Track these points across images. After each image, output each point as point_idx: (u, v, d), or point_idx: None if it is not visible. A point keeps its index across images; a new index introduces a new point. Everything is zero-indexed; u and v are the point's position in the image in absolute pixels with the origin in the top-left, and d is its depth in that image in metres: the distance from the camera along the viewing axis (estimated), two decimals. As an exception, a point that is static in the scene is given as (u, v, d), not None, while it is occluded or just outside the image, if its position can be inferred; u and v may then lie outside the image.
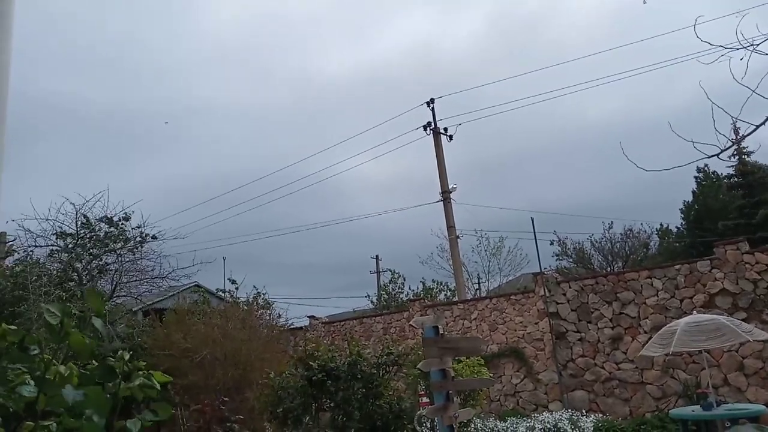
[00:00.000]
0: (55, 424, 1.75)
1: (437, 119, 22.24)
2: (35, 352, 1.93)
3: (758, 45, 4.18)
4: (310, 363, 9.85)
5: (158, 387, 2.07)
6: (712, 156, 4.88)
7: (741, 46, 4.18)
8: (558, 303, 14.93)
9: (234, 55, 48.12)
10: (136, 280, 16.67)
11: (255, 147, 47.21)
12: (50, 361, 1.83)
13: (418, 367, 9.48)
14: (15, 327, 1.96)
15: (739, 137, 4.53)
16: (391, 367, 10.10)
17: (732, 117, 4.51)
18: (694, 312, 10.34)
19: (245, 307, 15.19)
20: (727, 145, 4.61)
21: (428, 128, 22.29)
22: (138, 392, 1.99)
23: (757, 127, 4.76)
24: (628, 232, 27.81)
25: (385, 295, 28.33)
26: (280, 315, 15.76)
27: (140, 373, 2.00)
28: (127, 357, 1.96)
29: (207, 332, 13.47)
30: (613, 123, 37.16)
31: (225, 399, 11.94)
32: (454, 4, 48.00)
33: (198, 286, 18.84)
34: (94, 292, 1.99)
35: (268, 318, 15.55)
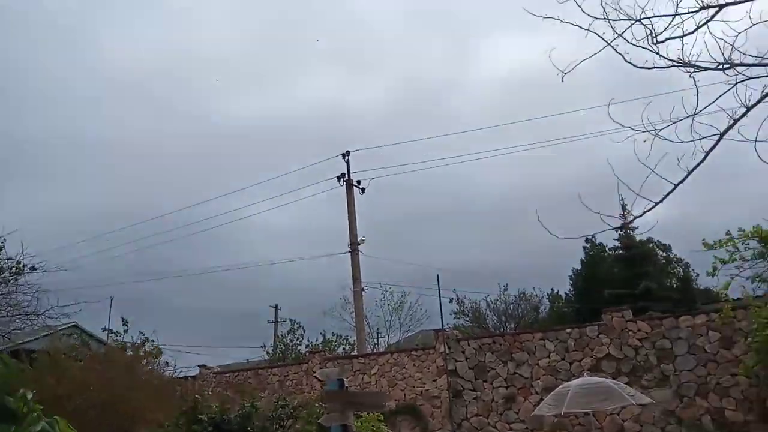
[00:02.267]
0: None
1: (350, 172, 22.46)
2: None
3: (660, 131, 4.62)
4: (199, 416, 9.24)
5: None
6: (616, 228, 5.24)
7: (645, 130, 4.59)
8: (457, 360, 15.11)
9: (133, 89, 46.52)
10: (7, 316, 15.08)
11: (150, 185, 45.10)
12: None
13: (320, 421, 9.14)
14: None
15: (638, 215, 4.89)
16: (286, 421, 9.67)
17: (634, 193, 4.88)
18: (584, 374, 10.81)
19: (130, 352, 14.09)
20: (630, 219, 4.97)
21: (342, 179, 22.42)
22: None
23: (656, 204, 5.17)
24: (521, 295, 29.07)
25: (282, 346, 27.44)
26: (167, 363, 14.72)
27: (36, 416, 1.75)
28: (30, 396, 1.72)
29: (84, 377, 12.30)
30: (510, 190, 39.34)
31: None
32: (361, 67, 49.66)
33: (77, 327, 17.30)
34: None
35: (154, 365, 14.48)
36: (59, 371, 12.15)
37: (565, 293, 28.67)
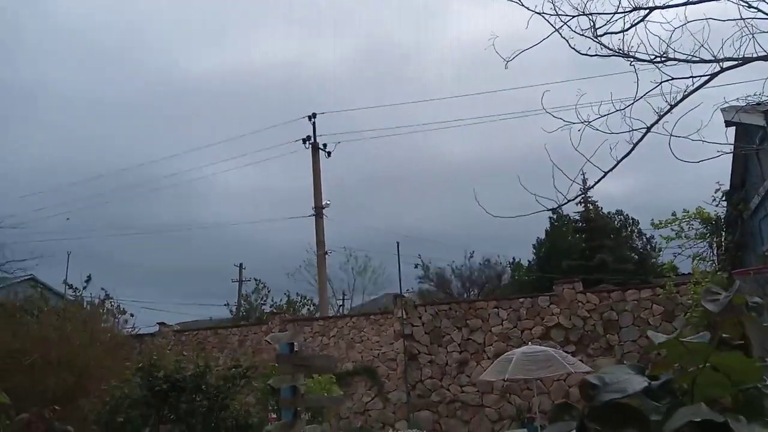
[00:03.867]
0: None
1: (316, 135, 22.35)
2: None
3: (592, 121, 4.84)
4: (155, 373, 9.40)
5: None
6: (551, 209, 5.50)
7: (578, 121, 4.81)
8: (414, 325, 15.54)
9: (94, 45, 44.95)
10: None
11: (112, 139, 43.97)
12: None
13: (269, 383, 9.41)
14: None
15: (570, 198, 5.13)
16: (239, 381, 9.91)
17: (570, 179, 5.12)
18: (529, 343, 11.29)
19: (88, 309, 14.12)
20: (562, 202, 5.22)
21: (307, 142, 22.32)
22: None
23: (588, 188, 5.43)
24: (486, 262, 29.73)
25: (246, 306, 27.67)
26: (126, 320, 14.80)
27: None
28: None
29: (40, 332, 12.34)
30: (476, 159, 39.62)
31: (55, 408, 10.99)
32: (325, 27, 48.73)
33: (35, 280, 17.19)
34: None
35: (114, 322, 14.56)
36: (15, 325, 12.18)
37: (528, 261, 29.44)
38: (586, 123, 4.80)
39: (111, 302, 15.81)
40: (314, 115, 22.19)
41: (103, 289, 15.87)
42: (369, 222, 45.14)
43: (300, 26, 48.33)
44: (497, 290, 27.14)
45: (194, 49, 47.89)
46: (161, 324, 17.13)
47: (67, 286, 15.87)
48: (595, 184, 5.78)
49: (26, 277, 17.13)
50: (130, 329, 15.05)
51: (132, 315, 16.11)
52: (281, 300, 27.77)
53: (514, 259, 29.50)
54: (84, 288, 15.07)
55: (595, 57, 5.38)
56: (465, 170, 39.29)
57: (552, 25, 5.20)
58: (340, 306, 30.77)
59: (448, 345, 15.13)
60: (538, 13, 5.09)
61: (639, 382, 1.08)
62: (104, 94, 44.39)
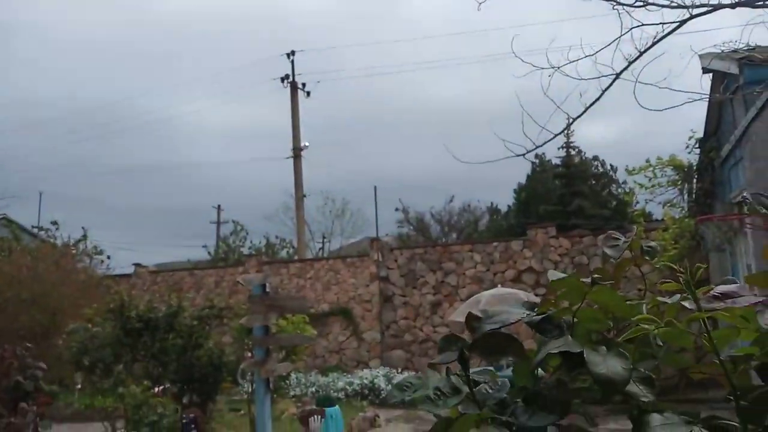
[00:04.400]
0: None
1: (295, 74, 21.87)
2: None
3: (561, 67, 4.75)
4: (127, 313, 9.46)
5: None
6: (519, 155, 5.48)
7: (549, 66, 4.72)
8: (389, 268, 15.73)
9: None
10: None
11: (81, 73, 42.55)
12: None
13: (241, 321, 9.53)
14: None
15: (538, 145, 5.11)
16: (213, 321, 10.03)
17: (539, 125, 5.09)
18: (500, 285, 11.51)
19: (62, 248, 14.05)
20: (530, 149, 5.21)
21: (286, 81, 21.86)
22: None
23: (555, 135, 5.41)
24: (466, 207, 29.91)
25: (225, 247, 27.72)
26: (102, 261, 14.77)
27: None
28: None
29: (12, 271, 12.30)
30: (457, 101, 39.17)
31: (28, 345, 11.04)
32: None
33: (7, 219, 16.96)
34: None
35: (88, 262, 14.54)
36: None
37: (508, 206, 29.65)
38: (556, 68, 4.72)
39: (86, 243, 15.76)
40: (293, 53, 21.66)
41: (83, 227, 15.77)
42: (349, 165, 44.92)
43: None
44: (474, 234, 27.42)
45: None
46: (137, 265, 17.12)
47: (39, 228, 15.71)
48: (562, 132, 5.76)
49: (-1, 216, 16.89)
50: (105, 270, 15.04)
51: (108, 257, 16.07)
52: (260, 242, 27.87)
53: (492, 204, 29.70)
54: (56, 229, 14.96)
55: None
56: (450, 113, 38.98)
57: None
58: (320, 249, 30.96)
59: (422, 287, 15.38)
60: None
61: (519, 314, 1.13)
62: (81, 31, 42.74)
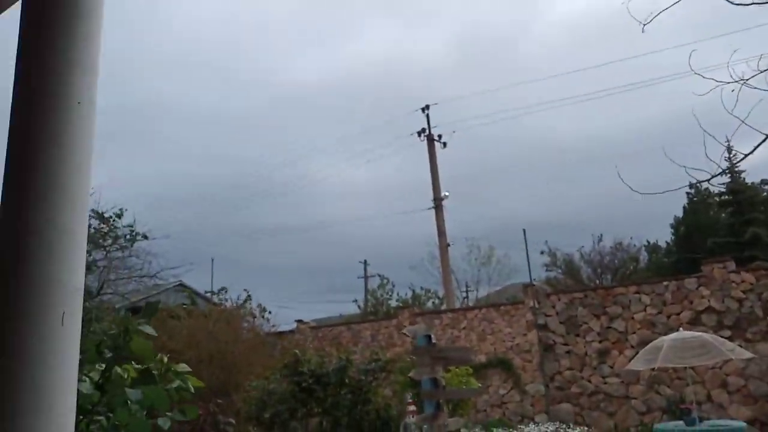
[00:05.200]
0: (105, 419, 1.91)
1: (430, 126, 22.28)
2: (109, 355, 2.15)
3: (748, 79, 4.25)
4: (300, 369, 9.81)
5: (192, 390, 2.20)
6: (703, 182, 4.95)
7: (732, 80, 4.24)
8: (547, 315, 14.96)
9: (199, 58, 47.83)
10: (123, 278, 16.55)
11: (222, 149, 46.75)
12: (114, 362, 1.96)
13: (409, 375, 9.46)
14: None
15: (727, 166, 4.59)
16: (379, 374, 10.07)
17: (722, 144, 4.59)
18: (680, 329, 10.40)
19: (232, 309, 15.10)
20: (717, 172, 4.68)
21: (422, 134, 22.33)
22: (174, 394, 2.12)
23: (746, 155, 4.83)
24: (618, 246, 27.99)
25: (373, 301, 28.26)
26: (267, 319, 15.66)
27: (176, 374, 2.11)
28: (165, 360, 2.09)
29: (192, 333, 13.37)
30: (596, 138, 37.45)
31: (219, 401, 11.82)
32: (420, 18, 48.00)
33: (183, 285, 18.68)
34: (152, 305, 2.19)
35: (253, 321, 15.47)
36: (170, 328, 13.29)
37: (666, 242, 27.36)
38: (742, 81, 4.23)
39: (250, 303, 16.84)
40: (427, 107, 22.17)
41: (245, 290, 16.94)
42: (489, 211, 44.32)
43: (396, 21, 48.45)
44: (633, 275, 25.48)
45: (298, 56, 49.74)
46: (299, 321, 17.93)
47: (212, 294, 17.09)
48: (752, 151, 5.15)
49: (176, 283, 18.68)
50: (270, 327, 15.89)
51: (270, 313, 17.01)
52: (406, 294, 28.09)
53: (648, 241, 27.56)
54: (225, 291, 16.17)
55: (751, 5, 4.76)
56: (583, 151, 37.34)
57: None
58: (465, 297, 30.51)
59: (586, 334, 14.39)
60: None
61: None
62: (218, 106, 47.40)
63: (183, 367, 2.18)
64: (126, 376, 1.94)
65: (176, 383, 2.08)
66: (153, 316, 2.29)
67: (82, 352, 2.04)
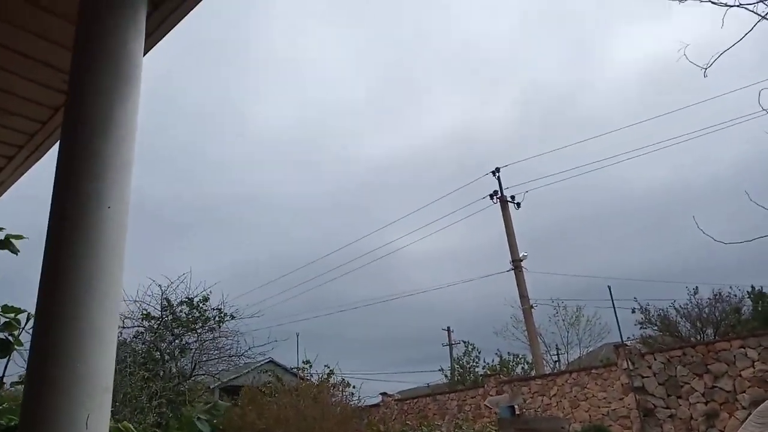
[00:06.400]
0: None
1: (502, 188, 22.26)
2: None
3: None
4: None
5: None
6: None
7: None
8: (643, 377, 14.07)
9: (276, 149, 50.90)
10: (214, 359, 17.14)
11: (306, 232, 48.89)
12: None
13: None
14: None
15: None
16: (465, 448, 9.77)
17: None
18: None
19: (318, 385, 15.21)
20: None
21: (495, 197, 22.31)
22: None
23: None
24: (717, 296, 26.07)
25: (459, 369, 27.56)
26: (352, 393, 15.61)
27: None
28: None
29: (280, 411, 13.54)
30: (665, 189, 35.93)
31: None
32: (484, 91, 49.03)
33: (273, 362, 19.08)
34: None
35: (340, 395, 15.47)
36: (259, 407, 13.55)
37: (772, 288, 25.22)
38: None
39: (334, 376, 16.90)
40: (498, 170, 22.24)
41: (326, 365, 17.06)
42: (571, 269, 42.85)
43: (462, 93, 49.63)
44: (737, 327, 23.55)
45: (370, 136, 51.83)
46: (383, 394, 17.76)
47: (298, 369, 17.35)
48: None
49: (266, 361, 19.12)
50: (356, 401, 15.81)
51: (354, 387, 16.98)
52: (492, 360, 27.23)
53: (753, 287, 25.54)
54: (309, 367, 16.33)
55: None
56: (660, 201, 35.79)
57: (757, 14, 4.57)
58: (556, 362, 29.16)
59: (689, 396, 13.36)
60: (740, 6, 4.51)
61: None
62: (305, 193, 49.73)
63: None
64: None
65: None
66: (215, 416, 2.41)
67: None
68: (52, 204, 1.67)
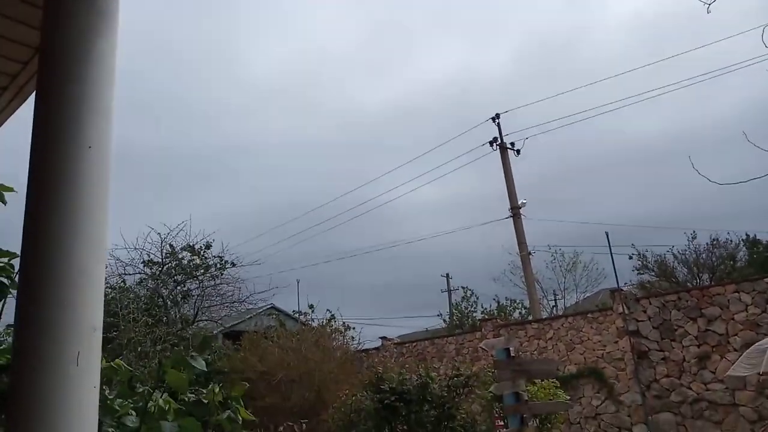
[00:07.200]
0: None
1: (502, 135, 22.05)
2: (140, 389, 2.19)
3: None
4: (381, 386, 9.95)
5: (240, 422, 2.27)
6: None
7: None
8: (638, 320, 14.32)
9: (271, 94, 50.04)
10: (216, 305, 17.43)
11: (307, 178, 48.72)
12: (150, 395, 2.07)
13: (490, 390, 9.36)
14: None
15: None
16: (462, 389, 10.03)
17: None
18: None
19: (319, 329, 15.52)
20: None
21: (494, 144, 22.12)
22: (226, 424, 2.21)
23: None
24: (715, 243, 26.26)
25: (458, 314, 28.06)
26: (353, 337, 15.96)
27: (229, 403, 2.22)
28: (217, 390, 2.19)
29: (282, 355, 13.85)
30: (672, 134, 35.48)
31: (303, 421, 12.17)
32: (485, 36, 47.77)
33: (274, 308, 19.41)
34: (207, 339, 2.26)
35: (340, 340, 15.81)
36: (260, 351, 13.86)
37: (768, 235, 25.38)
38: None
39: (335, 321, 17.24)
40: (498, 116, 21.96)
41: (328, 310, 17.37)
42: (569, 215, 43.06)
43: (460, 38, 48.49)
44: (733, 273, 23.82)
45: (366, 82, 50.95)
46: (383, 338, 18.14)
47: (299, 313, 17.66)
48: None
49: (267, 307, 19.46)
50: (356, 345, 16.19)
51: (354, 329, 17.33)
52: (490, 306, 27.68)
53: (747, 235, 25.68)
54: (312, 311, 16.64)
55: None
56: (660, 147, 35.49)
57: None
58: (553, 307, 29.64)
59: (682, 339, 13.63)
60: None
61: None
62: (302, 139, 49.24)
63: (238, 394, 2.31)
64: (167, 408, 2.07)
65: (226, 414, 2.20)
66: (206, 350, 2.43)
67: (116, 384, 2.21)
68: (31, 146, 1.63)
